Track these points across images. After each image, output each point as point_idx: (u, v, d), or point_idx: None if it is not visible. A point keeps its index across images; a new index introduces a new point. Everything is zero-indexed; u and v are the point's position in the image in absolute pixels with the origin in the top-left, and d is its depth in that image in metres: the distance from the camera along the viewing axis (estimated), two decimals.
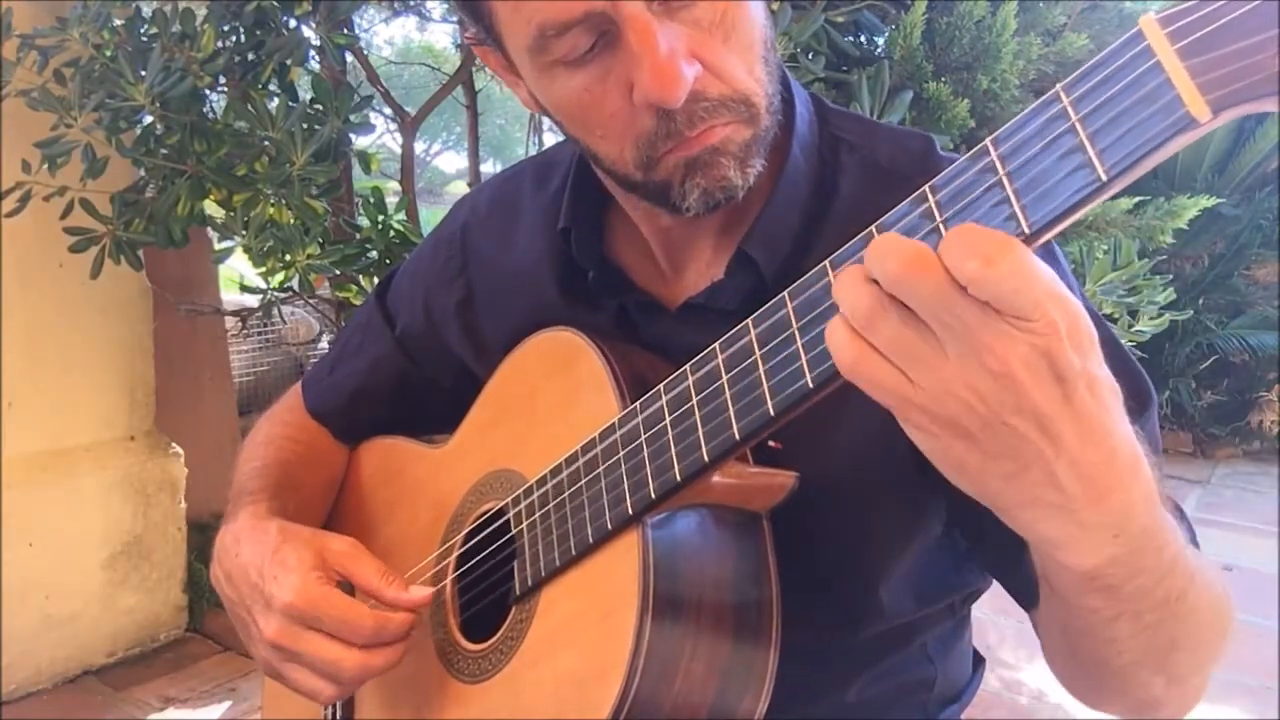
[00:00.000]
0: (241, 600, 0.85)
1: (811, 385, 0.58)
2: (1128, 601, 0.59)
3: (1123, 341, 0.81)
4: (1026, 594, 0.73)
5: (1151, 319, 2.01)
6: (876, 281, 0.49)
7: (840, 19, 1.90)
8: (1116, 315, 2.00)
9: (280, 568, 0.81)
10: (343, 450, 1.11)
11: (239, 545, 0.87)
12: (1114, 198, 2.21)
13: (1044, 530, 0.53)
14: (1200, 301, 4.40)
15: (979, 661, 1.03)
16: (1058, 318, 0.47)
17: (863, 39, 2.12)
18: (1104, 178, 0.46)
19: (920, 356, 0.49)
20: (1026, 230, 0.48)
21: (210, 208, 2.09)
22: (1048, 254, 0.79)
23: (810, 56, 1.86)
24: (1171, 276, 2.37)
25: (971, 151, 0.49)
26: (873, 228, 0.55)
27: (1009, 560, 0.73)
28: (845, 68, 1.98)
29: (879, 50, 2.10)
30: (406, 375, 1.05)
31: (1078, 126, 0.46)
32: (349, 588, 0.84)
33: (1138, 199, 2.27)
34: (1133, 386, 0.72)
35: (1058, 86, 0.46)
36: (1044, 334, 0.47)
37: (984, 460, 0.51)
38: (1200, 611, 0.64)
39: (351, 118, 1.86)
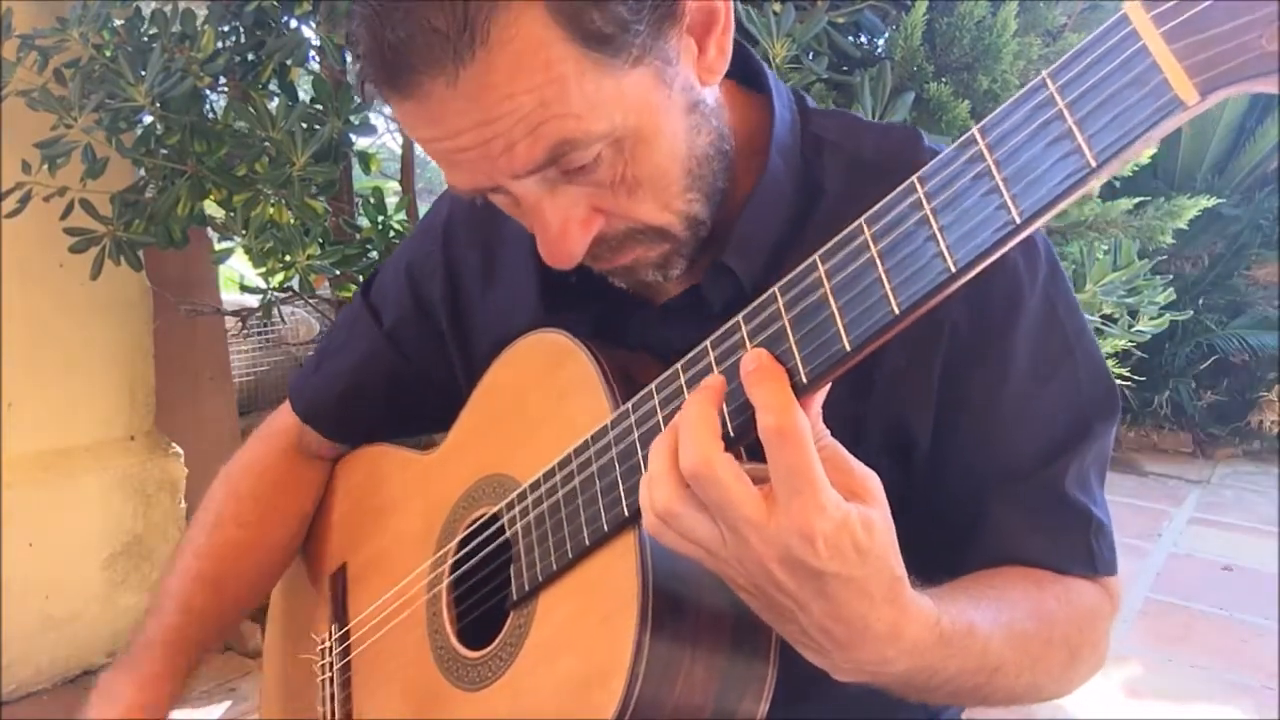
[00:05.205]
0: None
1: (805, 380, 0.58)
2: (909, 691, 0.68)
3: (1100, 352, 0.82)
4: None
5: (1151, 319, 2.01)
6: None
7: (841, 19, 1.90)
8: (1116, 315, 2.00)
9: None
10: (319, 466, 1.11)
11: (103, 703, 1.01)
12: (1114, 198, 2.21)
13: (809, 658, 0.65)
14: (1200, 301, 4.39)
15: None
16: (819, 528, 0.56)
17: (863, 39, 2.11)
18: (1093, 163, 0.46)
19: (707, 539, 0.60)
20: (1017, 219, 0.48)
21: (210, 208, 2.09)
22: (1029, 253, 0.78)
23: (812, 57, 1.86)
24: (1171, 276, 2.37)
25: (959, 140, 0.49)
26: (862, 220, 0.55)
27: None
28: (845, 68, 1.98)
29: (879, 51, 2.10)
30: (395, 369, 1.04)
31: (1065, 112, 0.46)
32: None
33: (1138, 199, 2.26)
34: (1094, 400, 0.80)
35: (1044, 73, 0.46)
36: (802, 549, 0.56)
37: (759, 608, 0.64)
38: (1009, 686, 0.72)
39: (352, 118, 1.85)
